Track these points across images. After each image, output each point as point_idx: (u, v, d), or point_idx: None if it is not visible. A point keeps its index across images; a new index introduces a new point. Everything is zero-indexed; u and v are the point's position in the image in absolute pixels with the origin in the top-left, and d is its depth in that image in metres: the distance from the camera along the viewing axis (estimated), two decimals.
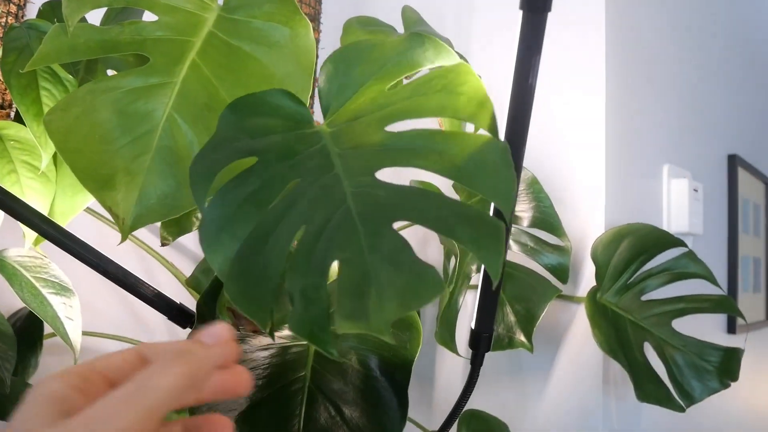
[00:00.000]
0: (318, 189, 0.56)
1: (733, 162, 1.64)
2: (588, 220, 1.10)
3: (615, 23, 1.15)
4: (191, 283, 0.75)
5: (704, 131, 1.56)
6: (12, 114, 0.92)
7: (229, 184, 0.56)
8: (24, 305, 0.96)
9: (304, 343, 0.78)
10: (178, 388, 0.33)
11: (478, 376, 0.71)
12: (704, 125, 1.55)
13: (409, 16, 1.00)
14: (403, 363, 0.73)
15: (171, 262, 1.07)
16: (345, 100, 0.62)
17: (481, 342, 0.67)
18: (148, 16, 0.78)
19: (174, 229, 0.77)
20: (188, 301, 0.88)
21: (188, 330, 0.78)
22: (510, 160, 0.55)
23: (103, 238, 0.94)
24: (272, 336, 0.65)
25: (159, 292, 0.77)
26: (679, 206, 1.28)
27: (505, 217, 0.54)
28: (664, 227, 1.31)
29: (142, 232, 1.30)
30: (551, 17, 1.11)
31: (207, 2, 0.74)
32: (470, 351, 0.78)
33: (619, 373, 1.12)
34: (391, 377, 0.72)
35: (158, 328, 1.41)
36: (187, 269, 1.19)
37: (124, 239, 0.66)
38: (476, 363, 0.69)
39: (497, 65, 1.21)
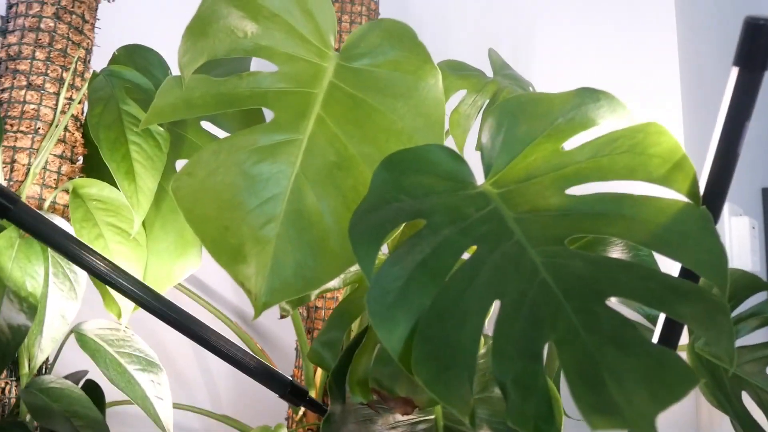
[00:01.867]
0: (501, 258, 0.51)
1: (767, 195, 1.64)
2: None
3: (687, 59, 1.13)
4: (312, 358, 0.68)
5: (742, 164, 1.55)
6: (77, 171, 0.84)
7: (398, 251, 0.51)
8: (79, 370, 0.88)
9: (431, 417, 0.71)
10: None
11: None
12: (742, 158, 1.55)
13: (495, 59, 0.96)
14: None
15: (234, 322, 1.00)
16: (510, 159, 0.57)
17: None
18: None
19: (294, 299, 0.71)
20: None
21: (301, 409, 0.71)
22: (714, 229, 0.51)
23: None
24: (473, 424, 0.59)
25: (269, 367, 0.70)
26: (741, 245, 1.25)
27: (722, 294, 0.49)
28: None
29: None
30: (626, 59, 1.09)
31: (324, 50, 0.69)
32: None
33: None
34: None
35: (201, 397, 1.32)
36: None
37: (256, 316, 0.59)
38: None
39: None
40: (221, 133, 0.76)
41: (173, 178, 0.58)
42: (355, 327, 0.84)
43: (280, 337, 1.33)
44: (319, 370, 1.07)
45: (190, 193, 0.59)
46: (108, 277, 0.63)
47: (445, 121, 0.67)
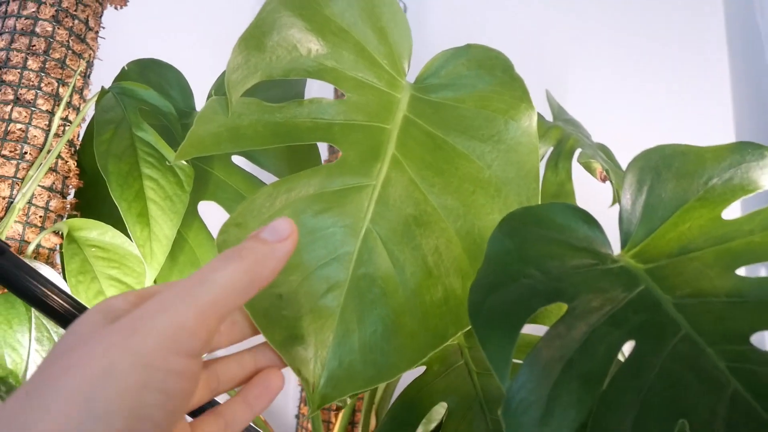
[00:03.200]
0: (672, 360, 0.39)
1: None
2: None
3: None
4: None
5: None
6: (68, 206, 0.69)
7: (537, 347, 0.39)
8: None
9: None
10: (237, 283, 0.32)
11: None
12: None
13: (553, 102, 0.86)
14: None
15: None
16: (656, 226, 0.46)
17: None
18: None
19: None
20: None
21: None
22: None
23: None
24: None
25: None
26: None
27: None
28: None
29: None
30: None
31: (396, 77, 0.57)
32: None
33: None
34: None
35: None
36: None
37: (312, 413, 0.45)
38: None
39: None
40: (255, 170, 0.62)
41: (220, 230, 0.45)
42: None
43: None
44: None
45: None
46: None
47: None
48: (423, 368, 0.60)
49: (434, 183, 0.52)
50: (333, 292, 0.47)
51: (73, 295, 0.47)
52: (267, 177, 0.67)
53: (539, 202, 0.53)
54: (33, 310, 0.56)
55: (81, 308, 0.47)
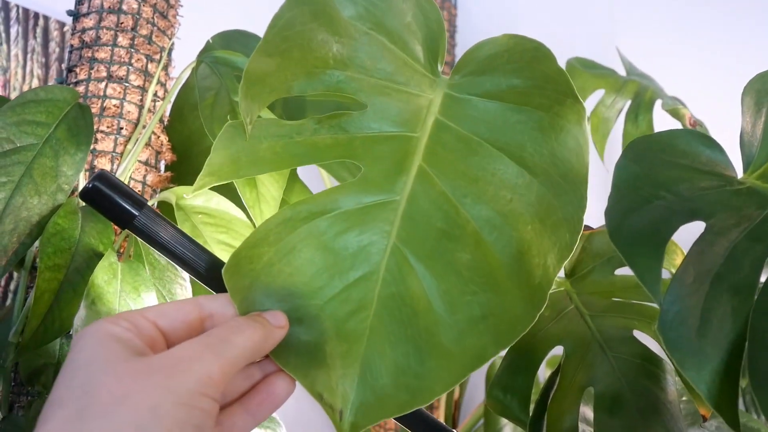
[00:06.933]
0: None
1: None
2: None
3: None
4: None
5: None
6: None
7: (684, 263, 0.43)
8: None
9: None
10: (250, 349, 0.39)
11: None
12: None
13: (624, 58, 0.82)
14: None
15: None
16: None
17: None
18: None
19: None
20: None
21: None
22: None
23: None
24: None
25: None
26: None
27: None
28: None
29: None
30: None
31: (428, 75, 0.53)
32: None
33: None
34: None
35: None
36: None
37: None
38: None
39: None
40: None
41: (232, 254, 0.46)
42: None
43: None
44: None
45: (250, 281, 0.46)
46: None
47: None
48: None
49: (467, 193, 0.50)
50: (360, 314, 0.47)
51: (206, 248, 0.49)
52: None
53: (585, 208, 0.49)
54: (154, 275, 0.61)
55: (218, 262, 0.48)
